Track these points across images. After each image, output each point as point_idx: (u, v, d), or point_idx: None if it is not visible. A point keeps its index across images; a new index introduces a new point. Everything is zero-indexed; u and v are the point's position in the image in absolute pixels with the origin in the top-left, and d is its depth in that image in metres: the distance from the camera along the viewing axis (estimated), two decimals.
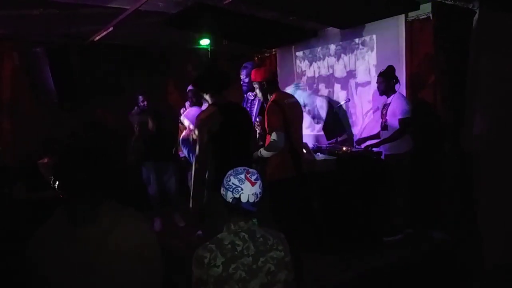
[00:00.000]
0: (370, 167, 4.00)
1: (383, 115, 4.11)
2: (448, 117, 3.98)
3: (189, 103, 4.73)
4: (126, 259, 1.40)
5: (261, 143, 3.47)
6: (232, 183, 1.68)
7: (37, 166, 3.85)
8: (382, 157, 4.12)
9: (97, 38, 4.57)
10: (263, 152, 3.07)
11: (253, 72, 3.32)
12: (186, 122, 3.95)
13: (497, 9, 3.52)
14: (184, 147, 4.02)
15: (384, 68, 4.14)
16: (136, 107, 4.88)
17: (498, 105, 3.59)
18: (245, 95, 4.00)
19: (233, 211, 1.69)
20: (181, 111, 4.75)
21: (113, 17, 3.98)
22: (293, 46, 5.95)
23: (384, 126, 4.08)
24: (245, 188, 1.66)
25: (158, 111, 4.82)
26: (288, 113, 3.08)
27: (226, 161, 2.71)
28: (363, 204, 3.86)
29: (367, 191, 3.91)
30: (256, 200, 1.69)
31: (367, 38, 4.89)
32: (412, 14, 4.27)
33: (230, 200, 1.67)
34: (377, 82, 4.16)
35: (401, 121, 3.89)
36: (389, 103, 4.02)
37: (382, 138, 4.10)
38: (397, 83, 4.05)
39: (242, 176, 1.69)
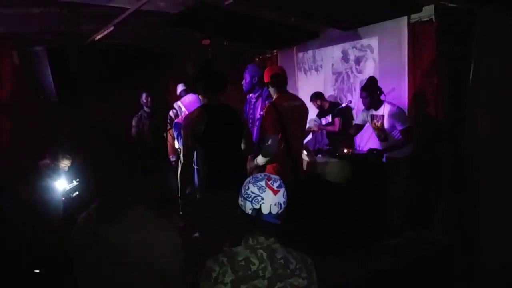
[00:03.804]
0: (370, 170, 3.98)
1: (377, 128, 4.03)
2: (449, 119, 3.97)
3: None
4: (141, 265, 1.36)
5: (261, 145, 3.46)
6: (251, 192, 1.46)
7: (38, 167, 3.82)
8: (383, 159, 4.10)
9: (97, 37, 4.55)
10: (259, 159, 3.08)
11: (264, 71, 3.34)
12: (182, 108, 3.99)
13: (499, 11, 3.50)
14: (175, 130, 4.02)
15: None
16: (141, 110, 4.88)
17: (499, 108, 3.57)
18: (247, 97, 3.98)
19: (253, 224, 1.46)
20: (171, 113, 4.75)
21: (114, 16, 3.96)
22: (295, 47, 5.93)
23: (384, 138, 4.02)
24: (266, 197, 1.45)
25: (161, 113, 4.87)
26: (286, 117, 3.07)
27: (215, 163, 2.71)
28: (363, 207, 3.84)
29: (367, 194, 3.89)
30: (279, 211, 1.47)
31: (369, 40, 4.86)
32: (415, 16, 4.24)
33: (250, 212, 1.45)
34: (361, 97, 4.05)
35: (403, 131, 3.84)
36: (382, 115, 3.94)
37: (383, 148, 4.05)
38: (381, 94, 3.96)
39: (263, 183, 1.47)
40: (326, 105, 5.11)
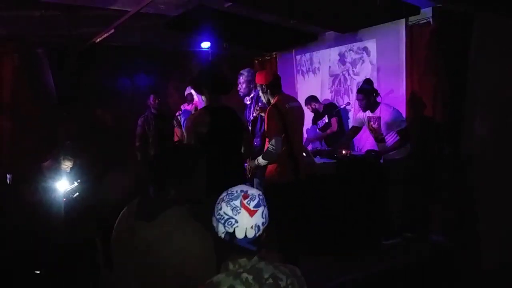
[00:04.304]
0: (369, 171, 3.99)
1: (374, 129, 4.05)
2: (448, 121, 3.98)
3: (186, 105, 4.76)
4: (163, 268, 1.35)
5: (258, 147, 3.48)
6: (224, 213, 1.27)
7: (41, 169, 3.83)
8: (381, 161, 4.11)
9: (98, 40, 4.57)
10: (260, 160, 3.09)
11: (256, 74, 3.34)
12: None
13: (496, 13, 3.53)
14: (183, 116, 4.03)
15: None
16: (147, 111, 4.92)
17: (497, 109, 3.60)
18: (245, 101, 4.00)
19: (229, 248, 1.28)
20: (177, 113, 4.78)
21: (114, 19, 3.99)
22: (294, 50, 5.96)
23: (382, 140, 4.03)
24: (240, 219, 1.25)
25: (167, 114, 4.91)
26: (288, 118, 3.08)
27: (215, 165, 2.72)
28: (362, 208, 3.86)
29: (366, 195, 3.90)
30: (257, 234, 1.27)
31: (367, 43, 4.90)
32: (413, 19, 4.27)
33: (222, 235, 1.26)
34: (357, 99, 4.07)
35: (400, 132, 3.86)
36: (378, 116, 3.96)
37: (380, 149, 4.06)
38: (377, 96, 3.98)
39: (237, 202, 1.27)
40: (321, 108, 5.13)
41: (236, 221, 1.25)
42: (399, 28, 4.42)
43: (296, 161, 3.17)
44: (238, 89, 3.87)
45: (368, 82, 4.07)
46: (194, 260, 1.35)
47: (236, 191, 1.30)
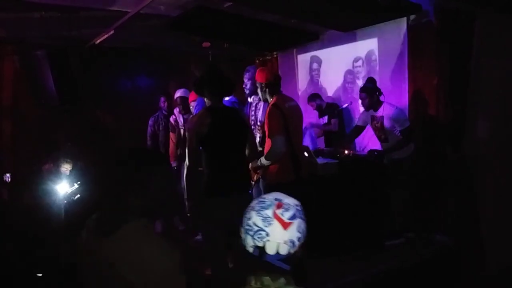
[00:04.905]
0: (371, 171, 3.97)
1: (377, 128, 4.03)
2: (450, 121, 3.96)
3: (178, 109, 4.75)
4: (132, 282, 1.28)
5: (261, 149, 3.45)
6: (253, 223, 1.12)
7: (41, 172, 3.83)
8: (385, 161, 4.09)
9: (98, 41, 4.56)
10: (263, 161, 3.06)
11: (257, 71, 3.32)
12: None
13: (499, 12, 3.50)
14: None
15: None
16: (158, 112, 4.96)
17: (500, 109, 3.58)
18: (247, 99, 3.97)
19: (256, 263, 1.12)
20: (171, 119, 4.78)
21: (114, 20, 3.98)
22: (295, 49, 5.94)
23: (385, 139, 4.02)
24: (272, 232, 1.10)
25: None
26: (288, 117, 3.07)
27: (218, 166, 2.71)
28: (364, 208, 3.84)
29: (368, 195, 3.88)
30: (291, 251, 1.11)
31: (369, 42, 4.87)
32: (414, 17, 4.25)
33: (251, 250, 1.12)
34: (360, 98, 4.05)
35: (403, 132, 3.84)
36: (381, 115, 3.94)
37: (383, 149, 4.05)
38: (380, 95, 3.96)
39: (269, 212, 1.12)
40: (324, 105, 5.11)
41: (267, 234, 1.10)
42: (401, 27, 4.40)
43: (297, 160, 3.16)
44: (244, 86, 3.85)
45: (371, 81, 4.05)
46: (162, 275, 1.26)
47: (269, 199, 1.15)
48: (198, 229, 3.00)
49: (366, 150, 4.46)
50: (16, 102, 4.91)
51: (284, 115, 3.04)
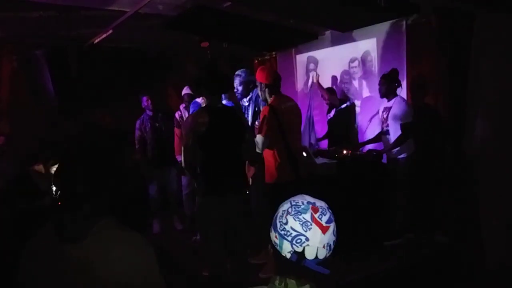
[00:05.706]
0: (370, 171, 3.97)
1: (384, 119, 4.07)
2: (449, 120, 3.97)
3: (184, 106, 4.73)
4: (108, 285, 1.21)
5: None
6: (291, 228, 1.08)
7: (30, 173, 3.76)
8: (384, 160, 4.09)
9: (96, 40, 4.56)
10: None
11: (258, 70, 3.33)
12: None
13: (498, 11, 3.50)
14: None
15: (386, 71, 4.09)
16: (143, 113, 4.92)
17: (499, 108, 3.57)
18: (240, 102, 3.96)
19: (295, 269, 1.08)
20: (176, 114, 4.75)
21: (113, 19, 3.97)
22: (294, 49, 5.94)
23: (386, 131, 4.04)
24: (312, 237, 1.07)
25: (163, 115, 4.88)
26: (285, 118, 3.09)
27: (215, 165, 2.70)
28: (364, 208, 3.83)
29: (367, 195, 3.88)
30: (328, 255, 1.10)
31: (367, 41, 4.87)
32: (413, 18, 4.25)
33: (288, 255, 1.08)
34: (378, 84, 4.11)
35: (403, 126, 3.85)
36: (390, 107, 3.98)
37: (384, 143, 4.06)
38: (399, 86, 4.00)
39: (308, 216, 1.08)
40: (337, 103, 4.97)
41: (307, 239, 1.07)
42: (400, 27, 4.40)
43: (295, 160, 3.17)
44: (235, 90, 3.82)
45: (394, 70, 4.07)
46: (138, 273, 1.22)
47: (303, 203, 1.12)
48: (194, 228, 3.01)
49: (366, 150, 4.47)
50: (14, 102, 4.89)
51: (278, 117, 3.06)
